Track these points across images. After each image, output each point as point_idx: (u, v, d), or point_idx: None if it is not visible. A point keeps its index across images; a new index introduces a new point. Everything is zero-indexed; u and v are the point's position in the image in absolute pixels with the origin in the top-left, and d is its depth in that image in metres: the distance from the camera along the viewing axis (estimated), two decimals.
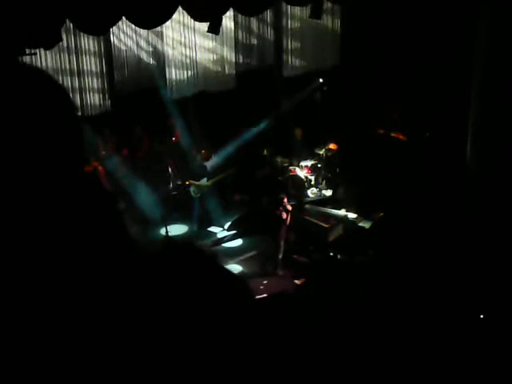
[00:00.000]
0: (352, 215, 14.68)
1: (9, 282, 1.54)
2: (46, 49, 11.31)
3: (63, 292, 1.57)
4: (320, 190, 16.37)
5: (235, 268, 13.65)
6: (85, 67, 13.77)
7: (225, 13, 13.34)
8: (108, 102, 14.51)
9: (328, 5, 15.55)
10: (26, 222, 1.58)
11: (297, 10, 16.39)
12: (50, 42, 10.46)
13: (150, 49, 15.25)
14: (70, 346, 1.55)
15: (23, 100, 1.62)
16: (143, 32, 14.59)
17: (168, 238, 13.72)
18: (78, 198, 1.69)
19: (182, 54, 15.34)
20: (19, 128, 1.59)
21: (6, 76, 1.65)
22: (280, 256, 13.37)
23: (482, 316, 9.78)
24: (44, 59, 12.35)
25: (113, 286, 1.64)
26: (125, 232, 1.86)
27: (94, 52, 14.00)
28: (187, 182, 15.29)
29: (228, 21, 15.15)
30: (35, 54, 11.32)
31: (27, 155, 1.58)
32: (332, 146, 16.66)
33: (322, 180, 16.57)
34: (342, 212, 14.83)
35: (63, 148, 1.66)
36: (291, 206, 13.40)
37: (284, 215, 13.16)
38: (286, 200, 13.36)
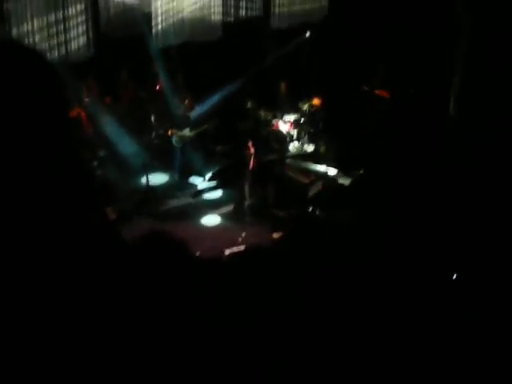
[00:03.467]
0: (332, 171, 14.78)
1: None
2: None
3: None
4: (302, 145, 16.43)
5: (214, 219, 13.76)
6: (70, 13, 13.58)
7: None
8: (92, 49, 14.36)
9: None
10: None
11: None
12: None
13: None
14: (65, 337, 1.62)
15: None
16: None
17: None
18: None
19: (168, 1, 15.14)
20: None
21: None
22: (246, 202, 13.63)
23: (455, 275, 9.95)
24: (29, 5, 12.17)
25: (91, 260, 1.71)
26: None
27: None
28: (170, 131, 15.27)
29: None
30: None
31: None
32: (316, 101, 16.68)
33: (305, 135, 16.61)
34: (323, 168, 14.93)
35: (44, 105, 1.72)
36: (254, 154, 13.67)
37: (249, 160, 13.47)
38: (250, 144, 13.56)
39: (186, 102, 15.62)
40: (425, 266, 9.76)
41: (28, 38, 12.36)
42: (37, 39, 12.65)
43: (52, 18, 13.03)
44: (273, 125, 16.46)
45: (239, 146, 16.00)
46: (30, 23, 12.44)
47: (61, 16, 13.14)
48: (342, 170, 14.72)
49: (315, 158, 15.62)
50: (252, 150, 13.60)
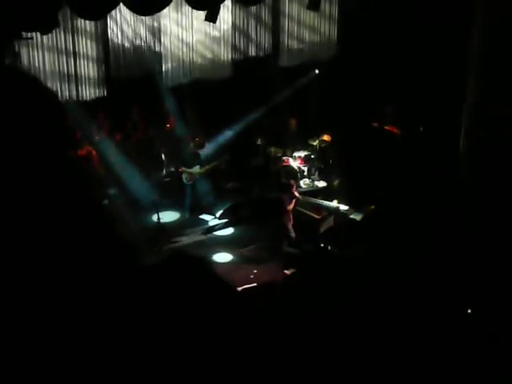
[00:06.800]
0: (344, 207, 14.70)
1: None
2: (42, 33, 11.27)
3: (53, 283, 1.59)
4: (312, 181, 16.43)
5: (226, 257, 13.67)
6: (81, 51, 13.76)
7: (223, 1, 13.34)
8: (103, 87, 14.50)
9: None
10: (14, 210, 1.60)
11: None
12: (48, 26, 10.45)
13: (147, 35, 15.23)
14: (67, 347, 1.57)
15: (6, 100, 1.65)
16: (140, 18, 14.57)
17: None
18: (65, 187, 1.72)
19: (178, 41, 15.33)
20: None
21: None
22: (292, 235, 13.49)
23: (469, 311, 9.85)
24: (40, 43, 12.32)
25: (108, 289, 1.67)
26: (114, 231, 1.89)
27: (91, 37, 13.97)
28: (180, 169, 15.29)
29: (225, 9, 15.14)
30: (31, 38, 11.27)
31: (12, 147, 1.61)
32: (326, 137, 16.73)
33: (315, 171, 16.63)
34: (334, 204, 14.86)
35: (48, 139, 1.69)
36: (299, 193, 13.61)
37: (289, 202, 13.32)
38: (294, 187, 13.51)
39: (196, 139, 15.67)
40: (438, 302, 9.68)
41: (40, 76, 12.48)
42: (48, 78, 12.77)
43: (63, 56, 13.17)
44: (283, 161, 16.46)
45: (250, 182, 16.02)
46: (41, 62, 12.57)
47: (71, 54, 13.28)
48: (353, 206, 14.66)
49: (326, 193, 15.58)
50: (297, 194, 13.52)
